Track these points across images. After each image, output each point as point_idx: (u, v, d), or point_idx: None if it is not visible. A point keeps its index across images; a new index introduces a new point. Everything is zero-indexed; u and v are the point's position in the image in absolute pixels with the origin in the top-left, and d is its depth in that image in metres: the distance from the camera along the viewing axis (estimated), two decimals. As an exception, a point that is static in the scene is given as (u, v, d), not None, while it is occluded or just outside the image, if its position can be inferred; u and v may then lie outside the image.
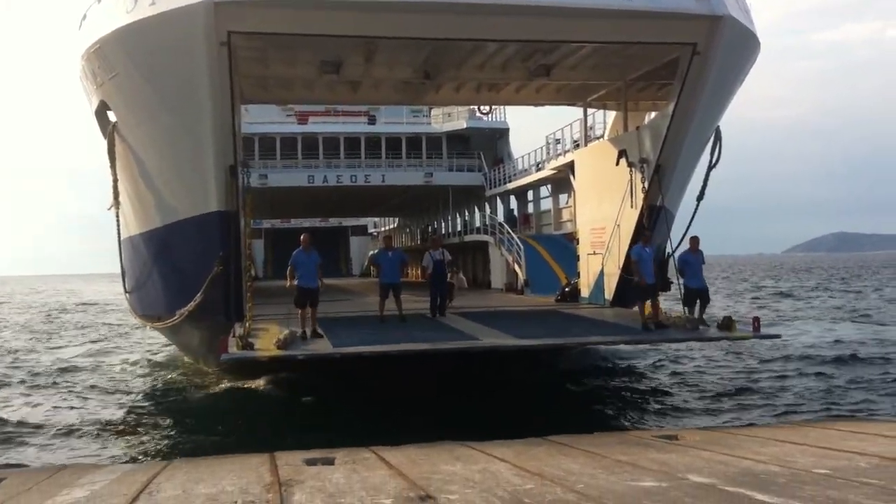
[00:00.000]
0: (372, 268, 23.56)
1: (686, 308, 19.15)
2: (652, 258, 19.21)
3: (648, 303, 19.05)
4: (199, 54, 17.86)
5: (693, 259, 19.12)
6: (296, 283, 17.65)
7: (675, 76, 20.97)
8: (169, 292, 22.76)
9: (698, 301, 18.98)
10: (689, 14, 18.85)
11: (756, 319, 18.41)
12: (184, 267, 21.81)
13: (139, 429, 18.08)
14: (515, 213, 40.22)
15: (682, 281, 19.32)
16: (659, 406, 19.74)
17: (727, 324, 18.29)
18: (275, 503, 7.77)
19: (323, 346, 16.48)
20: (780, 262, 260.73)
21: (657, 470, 8.95)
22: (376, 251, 21.83)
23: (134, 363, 30.06)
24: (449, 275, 26.46)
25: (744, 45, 20.36)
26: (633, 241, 21.89)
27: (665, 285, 20.32)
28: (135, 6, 18.24)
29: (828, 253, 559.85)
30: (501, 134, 46.81)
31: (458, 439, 11.55)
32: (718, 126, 22.61)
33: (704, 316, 19.06)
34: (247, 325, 17.79)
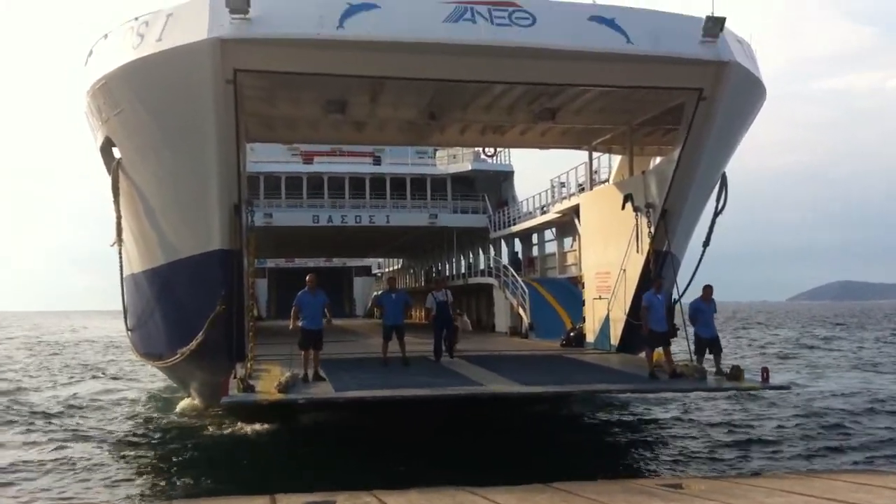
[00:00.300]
0: (375, 309, 23.25)
1: (696, 357, 18.83)
2: (664, 305, 18.76)
3: (659, 350, 18.68)
4: (205, 92, 17.80)
5: (705, 307, 18.76)
6: (300, 324, 17.42)
7: (681, 121, 20.91)
8: (170, 331, 22.53)
9: (708, 349, 18.66)
10: (695, 59, 18.78)
11: (765, 370, 17.99)
12: (185, 305, 21.59)
13: (139, 469, 17.92)
14: (520, 255, 40.06)
15: (692, 329, 19.08)
16: (664, 453, 19.43)
17: (736, 373, 17.90)
18: (275, 545, 7.52)
19: (324, 390, 16.25)
20: (786, 309, 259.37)
21: (661, 520, 8.72)
22: (380, 292, 21.59)
23: (135, 402, 29.80)
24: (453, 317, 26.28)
25: (750, 91, 20.31)
26: (641, 287, 21.75)
27: (672, 332, 19.98)
28: (141, 42, 18.18)
29: (832, 301, 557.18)
30: (506, 176, 46.90)
31: (460, 483, 11.42)
32: (724, 172, 22.52)
33: (713, 366, 18.72)
34: (248, 365, 17.57)
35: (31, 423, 24.26)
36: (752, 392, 22.51)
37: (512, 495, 10.51)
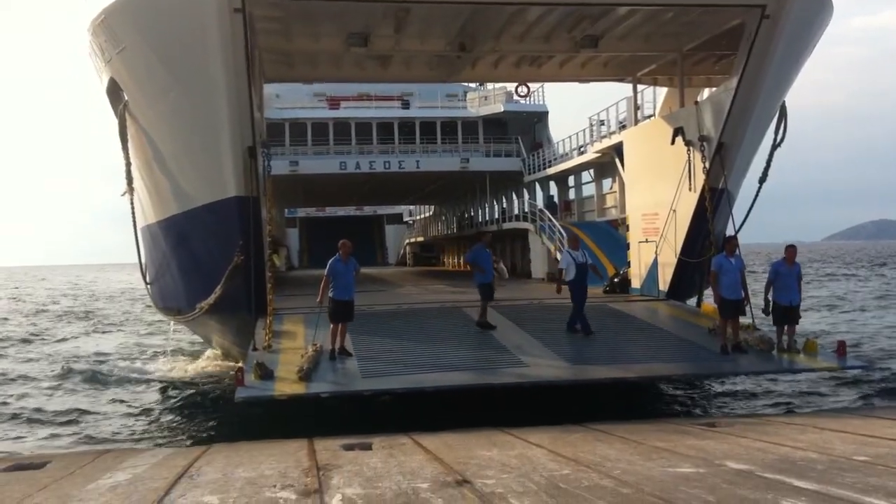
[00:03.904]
0: (470, 266, 20.26)
1: (776, 327, 16.31)
2: (738, 270, 16.19)
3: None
4: (211, 22, 16.18)
5: (786, 270, 16.04)
6: (330, 294, 15.51)
7: (738, 45, 18.96)
8: (188, 284, 21.36)
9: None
10: None
11: (841, 344, 15.83)
12: (202, 257, 20.35)
13: (178, 415, 17.76)
14: (556, 199, 38.40)
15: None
16: (701, 394, 18.51)
17: (809, 348, 15.75)
18: (313, 487, 7.86)
19: (350, 377, 14.45)
20: (821, 249, 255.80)
21: (695, 456, 8.97)
22: (475, 247, 18.77)
23: (167, 351, 29.24)
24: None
25: (817, 7, 18.29)
26: (693, 228, 20.28)
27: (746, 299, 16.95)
28: None
29: (868, 241, 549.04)
30: (540, 117, 45.12)
31: (496, 425, 11.64)
32: (784, 101, 20.59)
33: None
34: (267, 332, 16.24)
35: (71, 373, 23.99)
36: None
37: (546, 435, 10.68)
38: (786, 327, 16.03)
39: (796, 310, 16.08)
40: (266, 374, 13.83)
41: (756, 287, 18.86)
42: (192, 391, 20.41)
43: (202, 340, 27.85)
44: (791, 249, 16.14)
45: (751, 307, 17.06)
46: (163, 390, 20.91)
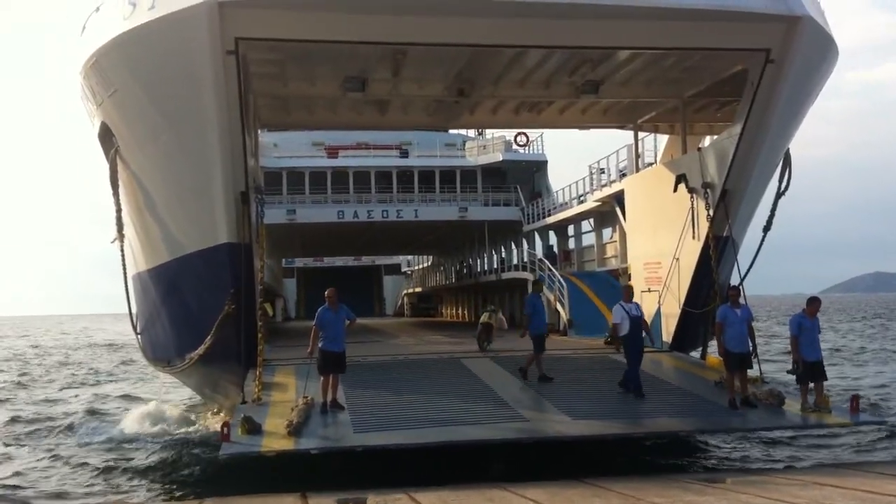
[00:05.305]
0: (523, 317, 19.99)
1: (800, 385, 15.36)
2: (744, 321, 15.47)
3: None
4: (204, 65, 15.83)
5: (809, 324, 15.12)
6: (319, 345, 14.91)
7: (741, 91, 18.69)
8: (177, 334, 20.77)
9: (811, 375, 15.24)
10: (763, 14, 16.44)
11: (854, 399, 15.08)
12: (193, 306, 19.78)
13: (169, 468, 17.27)
14: (555, 249, 37.92)
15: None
16: (702, 447, 17.87)
17: (821, 403, 14.91)
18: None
19: (342, 431, 13.83)
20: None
21: (694, 513, 8.66)
22: (531, 297, 18.39)
23: (163, 403, 28.40)
24: (487, 315, 23.89)
25: (823, 52, 17.98)
26: (697, 277, 19.80)
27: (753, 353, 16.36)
28: (133, 11, 16.24)
29: (865, 293, 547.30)
30: (539, 167, 44.82)
31: (492, 479, 11.74)
32: (788, 148, 20.22)
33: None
34: (257, 384, 15.70)
35: (66, 425, 23.65)
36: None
37: (544, 491, 10.63)
38: (811, 385, 15.09)
39: (821, 365, 15.17)
40: (254, 428, 13.27)
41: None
42: (183, 443, 19.72)
43: (194, 393, 27.20)
44: (816, 302, 15.30)
45: (758, 360, 16.45)
46: (152, 443, 20.22)
